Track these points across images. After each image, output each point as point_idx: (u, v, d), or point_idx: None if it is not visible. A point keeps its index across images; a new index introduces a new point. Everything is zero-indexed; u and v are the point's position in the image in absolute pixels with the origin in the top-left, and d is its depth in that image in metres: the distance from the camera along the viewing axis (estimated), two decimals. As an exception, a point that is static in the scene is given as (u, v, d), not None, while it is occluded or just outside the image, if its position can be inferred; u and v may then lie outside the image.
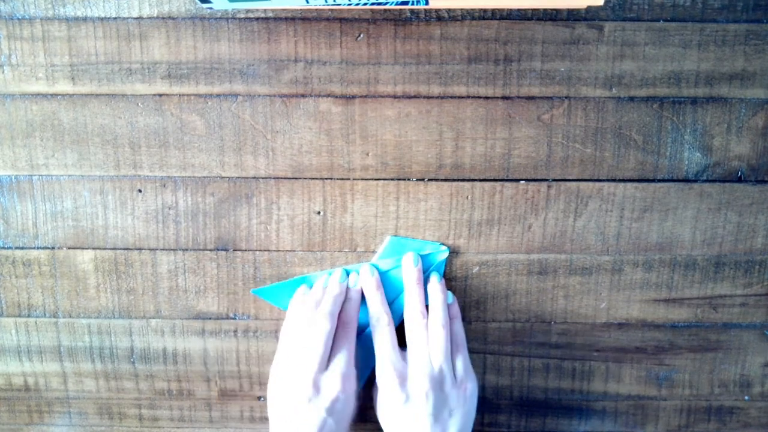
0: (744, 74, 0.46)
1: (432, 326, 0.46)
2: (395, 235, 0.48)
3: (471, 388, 0.46)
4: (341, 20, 0.46)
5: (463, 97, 0.47)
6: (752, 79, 0.46)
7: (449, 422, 0.44)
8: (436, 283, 0.48)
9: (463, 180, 0.48)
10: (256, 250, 0.49)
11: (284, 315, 0.50)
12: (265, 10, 0.45)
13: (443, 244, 0.49)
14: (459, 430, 0.45)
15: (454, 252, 0.49)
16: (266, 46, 0.46)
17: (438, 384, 0.44)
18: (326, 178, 0.48)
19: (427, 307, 0.47)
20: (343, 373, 0.45)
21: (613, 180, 0.48)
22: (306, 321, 0.46)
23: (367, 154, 0.48)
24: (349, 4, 0.42)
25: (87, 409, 0.52)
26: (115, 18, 0.46)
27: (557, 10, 0.45)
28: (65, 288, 0.50)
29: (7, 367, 0.52)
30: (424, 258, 0.48)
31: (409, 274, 0.48)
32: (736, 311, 0.50)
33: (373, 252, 0.49)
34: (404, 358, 0.46)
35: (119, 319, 0.50)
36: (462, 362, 0.47)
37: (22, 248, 0.49)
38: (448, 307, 0.48)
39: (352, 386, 0.45)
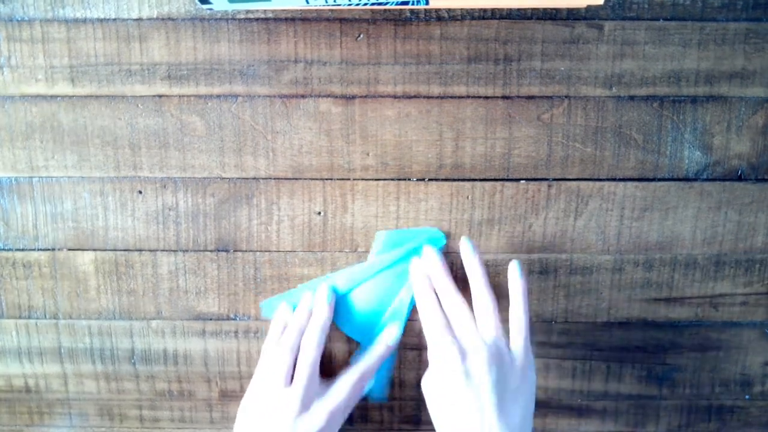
0: (744, 73, 0.46)
1: (477, 300, 0.44)
2: (381, 230, 0.48)
3: (531, 375, 0.42)
4: (341, 20, 0.45)
5: (463, 97, 0.47)
6: (752, 77, 0.46)
7: (511, 404, 0.40)
8: (470, 257, 0.46)
9: (463, 180, 0.48)
10: (257, 251, 0.49)
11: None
12: (265, 10, 0.45)
13: (439, 230, 0.48)
14: (522, 418, 0.40)
15: (455, 252, 0.49)
16: (266, 46, 0.46)
17: (497, 358, 0.40)
18: (326, 179, 0.48)
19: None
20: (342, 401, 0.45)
21: (614, 179, 0.48)
22: (289, 347, 0.46)
23: (368, 155, 0.48)
24: (349, 5, 0.42)
25: (88, 411, 0.52)
26: (114, 19, 0.46)
27: (557, 10, 0.45)
28: (66, 289, 0.50)
29: (7, 368, 0.52)
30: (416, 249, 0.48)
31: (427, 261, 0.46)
32: (736, 310, 0.50)
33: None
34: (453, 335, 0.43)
35: (120, 321, 0.50)
36: (522, 343, 0.43)
37: (22, 250, 0.49)
38: (519, 285, 0.44)
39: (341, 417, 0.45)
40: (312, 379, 0.45)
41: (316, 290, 0.48)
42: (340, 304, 0.49)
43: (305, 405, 0.44)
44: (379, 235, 0.48)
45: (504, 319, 0.44)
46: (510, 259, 0.49)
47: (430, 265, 0.47)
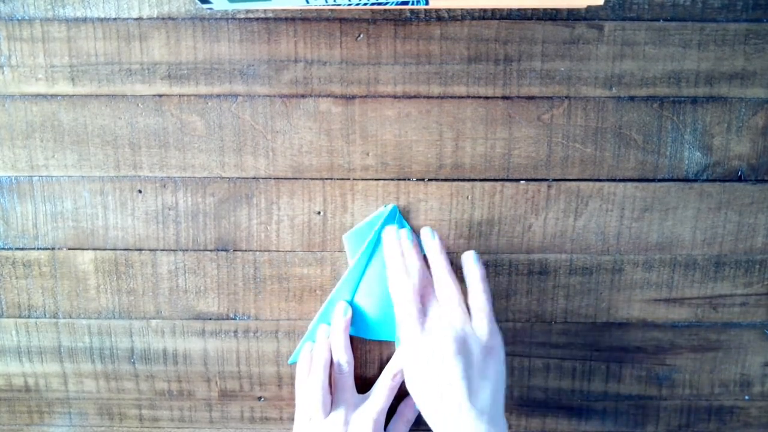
0: (744, 73, 0.46)
1: (439, 287, 0.44)
2: (346, 234, 0.48)
3: (499, 354, 0.42)
4: (341, 20, 0.46)
5: (463, 97, 0.47)
6: (752, 78, 0.46)
7: (480, 388, 0.40)
8: (431, 243, 0.45)
9: (463, 180, 0.48)
10: (257, 251, 0.49)
11: (286, 321, 0.50)
12: (265, 10, 0.45)
13: (387, 204, 0.48)
14: (492, 399, 0.41)
15: (454, 252, 0.49)
16: (266, 46, 0.46)
17: (463, 345, 0.41)
18: (326, 179, 0.48)
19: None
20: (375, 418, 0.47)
21: (614, 180, 0.48)
22: (319, 380, 0.47)
23: (367, 154, 0.48)
24: (349, 4, 0.42)
25: (87, 410, 0.52)
26: (114, 19, 0.46)
27: (557, 10, 0.45)
28: (65, 289, 0.50)
29: (7, 367, 0.52)
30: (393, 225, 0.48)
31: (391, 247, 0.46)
32: (736, 311, 0.50)
33: (374, 252, 0.49)
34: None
35: (119, 320, 0.50)
36: (486, 324, 0.42)
37: (22, 249, 0.49)
38: (477, 270, 0.44)
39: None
40: (348, 399, 0.47)
41: (333, 313, 0.49)
42: (353, 315, 0.49)
43: (347, 422, 0.46)
44: (345, 238, 0.48)
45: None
46: (510, 260, 0.49)
47: (401, 242, 0.46)
